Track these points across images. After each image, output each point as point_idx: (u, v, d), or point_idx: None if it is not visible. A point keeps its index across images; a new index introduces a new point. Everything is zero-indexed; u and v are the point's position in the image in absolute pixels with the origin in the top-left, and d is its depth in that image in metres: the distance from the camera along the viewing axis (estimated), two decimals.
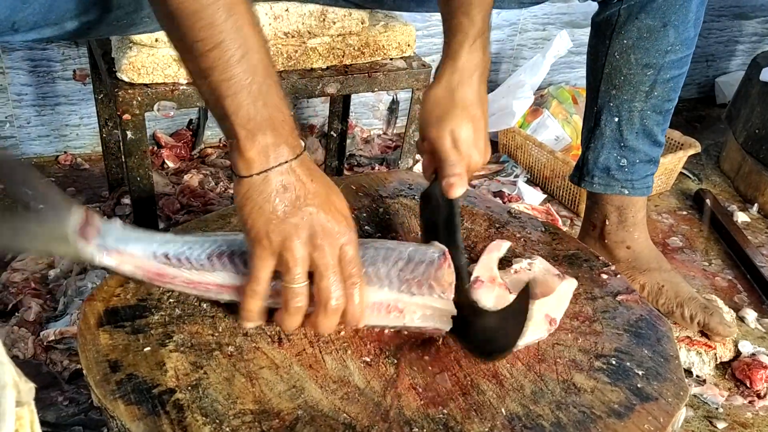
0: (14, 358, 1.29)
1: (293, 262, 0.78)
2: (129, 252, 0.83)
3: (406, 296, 0.83)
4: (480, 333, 0.83)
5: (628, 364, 0.84)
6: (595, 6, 1.32)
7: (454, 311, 0.83)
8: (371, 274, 0.83)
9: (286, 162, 0.79)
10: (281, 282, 0.80)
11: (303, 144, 0.82)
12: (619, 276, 1.00)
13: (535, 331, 0.84)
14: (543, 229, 1.09)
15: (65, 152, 1.95)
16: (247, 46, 0.76)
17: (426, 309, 0.83)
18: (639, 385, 0.81)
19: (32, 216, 0.80)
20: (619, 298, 0.95)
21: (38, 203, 0.80)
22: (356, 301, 0.80)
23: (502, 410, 0.76)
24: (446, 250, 0.85)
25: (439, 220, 0.95)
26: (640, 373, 0.83)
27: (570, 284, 0.87)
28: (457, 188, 0.93)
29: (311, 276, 0.80)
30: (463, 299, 0.83)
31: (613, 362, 0.84)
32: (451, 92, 0.96)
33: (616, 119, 1.32)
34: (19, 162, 0.82)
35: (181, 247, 0.85)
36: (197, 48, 0.75)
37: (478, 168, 0.97)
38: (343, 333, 0.85)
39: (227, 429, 0.71)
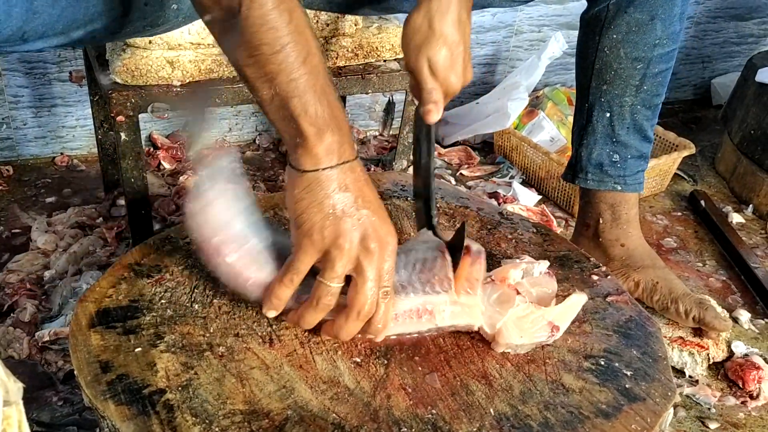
0: (9, 359, 1.29)
1: (339, 260, 0.79)
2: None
3: (432, 296, 0.83)
4: None
5: (616, 364, 0.85)
6: (584, 5, 1.33)
7: (481, 306, 0.84)
8: (395, 284, 0.84)
9: (349, 161, 0.80)
10: (316, 278, 0.80)
11: (357, 147, 0.84)
12: (609, 277, 1.01)
13: (535, 335, 0.84)
14: (534, 231, 1.09)
15: (62, 154, 1.95)
16: (308, 49, 0.78)
17: (454, 306, 0.84)
18: (627, 386, 0.82)
19: None
20: (609, 299, 0.96)
21: None
22: (384, 312, 0.81)
23: (491, 410, 0.77)
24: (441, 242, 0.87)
25: (420, 140, 1.03)
26: (629, 373, 0.83)
27: (580, 298, 0.87)
28: (433, 114, 0.96)
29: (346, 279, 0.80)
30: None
31: (602, 363, 0.85)
32: (429, 20, 0.96)
33: (608, 114, 1.34)
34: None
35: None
36: (263, 51, 0.76)
37: (457, 91, 0.99)
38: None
39: (217, 429, 0.72)
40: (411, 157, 1.58)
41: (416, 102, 1.01)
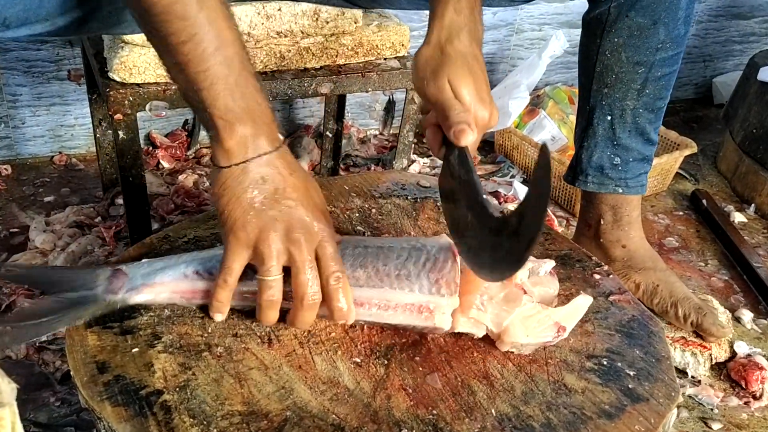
0: (7, 359, 1.29)
1: (268, 254, 0.78)
2: (159, 282, 0.84)
3: (437, 297, 0.82)
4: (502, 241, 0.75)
5: (619, 364, 0.84)
6: (586, 5, 1.32)
7: (489, 323, 0.83)
8: (401, 275, 0.83)
9: (266, 153, 0.79)
10: (257, 275, 0.80)
11: (282, 137, 0.82)
12: (611, 276, 1.00)
13: (540, 334, 0.83)
14: None
15: (60, 152, 1.95)
16: (221, 39, 0.77)
17: (461, 316, 0.83)
18: (630, 386, 0.81)
19: (59, 299, 0.83)
20: (611, 298, 0.95)
21: (63, 287, 0.83)
22: (340, 297, 0.80)
23: (493, 411, 0.76)
24: (452, 243, 0.85)
25: (455, 180, 0.85)
26: (632, 373, 0.83)
27: (586, 300, 0.87)
28: (467, 134, 0.83)
29: (288, 271, 0.80)
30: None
31: (605, 363, 0.84)
32: (441, 48, 0.89)
33: (609, 118, 1.32)
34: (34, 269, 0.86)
35: (210, 261, 0.85)
36: (171, 41, 0.76)
37: (486, 124, 0.87)
38: (333, 334, 0.84)
39: (215, 430, 0.71)
40: (407, 161, 1.57)
41: (437, 157, 0.89)
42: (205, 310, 0.85)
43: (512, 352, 0.84)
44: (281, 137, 0.82)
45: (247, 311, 0.85)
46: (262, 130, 0.79)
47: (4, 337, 0.78)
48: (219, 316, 0.83)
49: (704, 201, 1.93)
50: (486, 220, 0.77)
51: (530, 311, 0.82)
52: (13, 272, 0.95)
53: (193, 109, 0.80)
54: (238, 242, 0.79)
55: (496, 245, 0.75)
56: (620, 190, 1.38)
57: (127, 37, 1.21)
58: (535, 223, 0.69)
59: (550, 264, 0.89)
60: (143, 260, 0.87)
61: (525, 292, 0.84)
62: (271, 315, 0.82)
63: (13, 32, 0.98)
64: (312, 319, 0.82)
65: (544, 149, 0.66)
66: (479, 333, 0.84)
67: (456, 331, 0.84)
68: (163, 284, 0.85)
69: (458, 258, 0.84)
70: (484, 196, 0.79)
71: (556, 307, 0.85)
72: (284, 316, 0.83)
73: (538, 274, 0.88)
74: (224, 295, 0.82)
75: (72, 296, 0.83)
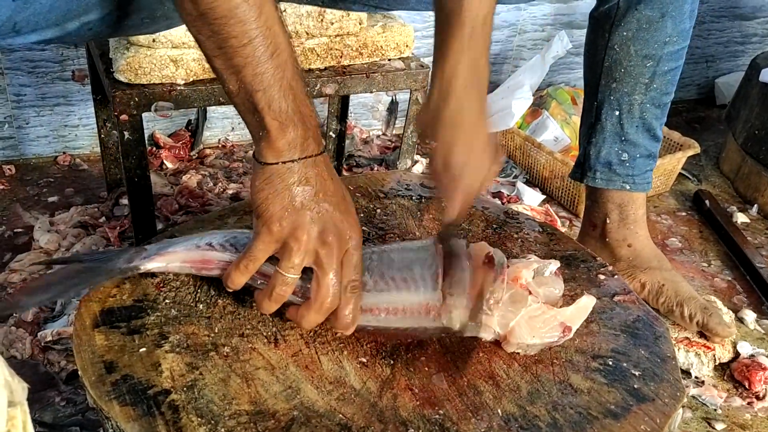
0: (12, 359, 1.29)
1: (297, 251, 0.80)
2: (172, 250, 0.88)
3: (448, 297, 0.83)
4: None
5: (624, 364, 0.84)
6: (592, 3, 1.33)
7: (496, 327, 0.84)
8: (408, 278, 0.84)
9: (313, 156, 0.80)
10: (274, 267, 0.81)
11: (324, 142, 0.84)
12: (616, 276, 1.00)
13: (546, 334, 0.83)
14: (540, 230, 1.08)
15: (64, 153, 1.95)
16: (277, 43, 0.79)
17: (468, 320, 0.83)
18: (635, 386, 0.81)
19: (76, 268, 0.87)
20: (616, 298, 0.95)
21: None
22: (351, 307, 0.81)
23: (499, 411, 0.76)
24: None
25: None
26: (637, 373, 0.83)
27: (590, 300, 0.87)
28: (446, 215, 0.91)
29: (305, 270, 0.81)
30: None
31: (610, 363, 0.84)
32: (436, 112, 0.93)
33: (617, 113, 1.33)
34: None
35: (224, 236, 0.88)
36: (231, 44, 0.77)
37: (476, 191, 0.93)
38: (339, 334, 0.84)
39: (222, 430, 0.71)
40: (415, 157, 1.58)
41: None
42: (209, 309, 0.85)
43: (518, 353, 0.84)
44: (324, 142, 0.84)
45: (250, 311, 0.86)
46: (311, 133, 0.81)
47: (19, 298, 0.80)
48: (230, 289, 0.85)
49: (707, 201, 1.94)
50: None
51: (536, 312, 0.83)
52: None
53: (241, 110, 0.81)
54: (270, 234, 0.80)
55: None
56: (627, 187, 1.39)
57: (133, 38, 1.21)
58: None
59: (554, 265, 0.90)
60: (167, 238, 0.90)
61: (530, 293, 0.84)
62: (273, 307, 0.83)
63: (24, 38, 0.98)
64: (318, 322, 0.82)
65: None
66: (487, 336, 0.84)
67: (465, 335, 0.84)
68: (176, 253, 0.87)
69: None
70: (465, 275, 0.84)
71: (561, 307, 0.86)
72: (278, 310, 0.84)
73: (543, 274, 0.88)
74: (240, 279, 0.83)
75: (91, 266, 0.86)
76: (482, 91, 0.94)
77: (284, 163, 0.80)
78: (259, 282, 0.84)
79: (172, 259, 0.87)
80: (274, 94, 0.78)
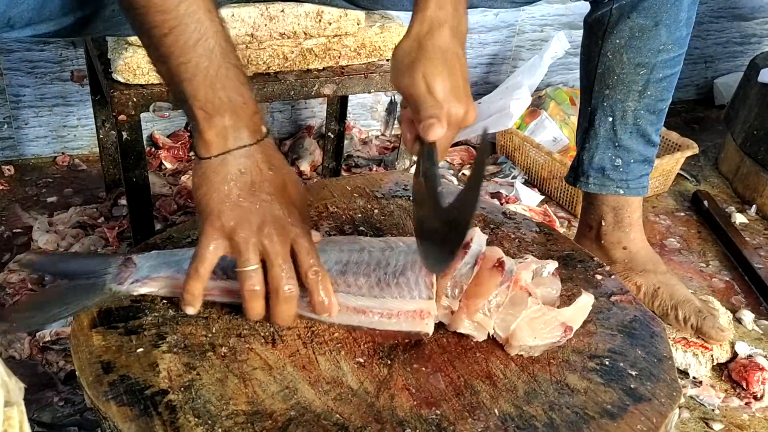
0: (11, 359, 1.29)
1: (243, 245, 0.79)
2: (162, 276, 0.86)
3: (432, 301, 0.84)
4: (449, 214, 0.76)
5: (621, 364, 0.84)
6: (587, 6, 1.32)
7: (491, 328, 0.84)
8: (402, 284, 0.84)
9: (246, 146, 0.80)
10: (235, 268, 0.81)
11: (265, 129, 0.83)
12: (613, 277, 1.00)
13: (548, 335, 0.83)
14: (537, 230, 1.09)
15: (63, 153, 1.95)
16: (202, 31, 0.78)
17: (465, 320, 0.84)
18: (632, 386, 0.81)
19: (67, 287, 0.86)
20: (613, 298, 0.95)
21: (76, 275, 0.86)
22: (320, 290, 0.81)
23: (495, 411, 0.76)
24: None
25: (420, 175, 0.85)
26: (634, 373, 0.83)
27: (588, 298, 0.87)
28: (436, 129, 0.82)
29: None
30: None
31: (607, 363, 0.84)
32: (419, 42, 0.87)
33: (610, 119, 1.33)
34: (50, 257, 0.87)
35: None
36: (154, 34, 0.78)
37: (460, 121, 0.85)
38: (336, 334, 0.85)
39: (219, 430, 0.71)
40: (409, 161, 1.58)
41: (410, 152, 0.90)
42: (206, 309, 0.85)
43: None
44: (264, 130, 0.83)
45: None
46: (243, 122, 0.80)
47: (12, 324, 0.79)
48: (191, 310, 0.83)
49: (705, 202, 1.94)
50: (438, 213, 0.78)
51: (536, 313, 0.83)
52: (31, 260, 0.96)
53: (178, 101, 0.82)
54: (212, 232, 0.80)
55: (444, 237, 0.76)
56: (621, 192, 1.38)
57: (131, 38, 1.21)
58: (465, 215, 0.72)
59: (553, 265, 0.90)
60: (153, 251, 0.88)
61: (530, 294, 0.85)
62: (257, 307, 0.82)
63: (18, 32, 0.98)
64: (291, 314, 0.82)
65: (485, 140, 0.73)
66: (480, 337, 0.84)
67: (458, 331, 0.84)
68: (166, 278, 0.86)
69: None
70: (440, 190, 0.78)
71: (558, 308, 0.86)
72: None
73: (541, 275, 0.89)
74: (196, 286, 0.81)
75: (81, 283, 0.85)
76: (462, 41, 0.90)
77: (216, 156, 0.79)
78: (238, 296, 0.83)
79: (162, 285, 0.86)
80: (199, 83, 0.78)
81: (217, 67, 0.79)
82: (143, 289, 0.86)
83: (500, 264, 0.84)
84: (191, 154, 2.01)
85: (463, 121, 0.86)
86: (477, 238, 0.87)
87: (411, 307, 0.83)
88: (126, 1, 0.79)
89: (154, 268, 0.86)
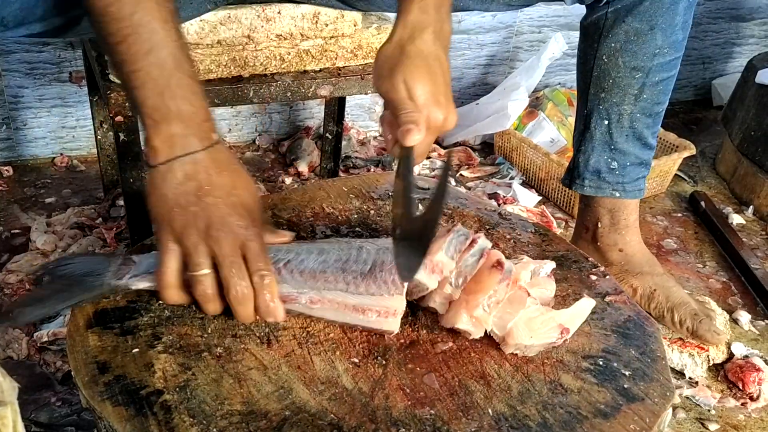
0: (8, 359, 1.29)
1: (192, 249, 0.80)
2: None
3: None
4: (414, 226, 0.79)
5: (615, 364, 0.84)
6: (584, 9, 1.32)
7: (489, 325, 0.84)
8: (372, 282, 0.84)
9: (193, 153, 0.81)
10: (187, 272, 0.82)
11: (216, 137, 0.84)
12: (608, 277, 1.01)
13: (545, 336, 0.84)
14: (533, 231, 1.09)
15: (61, 154, 1.96)
16: (155, 41, 0.80)
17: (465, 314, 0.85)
18: (626, 386, 0.81)
19: (68, 282, 0.86)
20: (607, 298, 0.96)
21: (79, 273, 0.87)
22: (266, 294, 0.82)
23: (489, 411, 0.77)
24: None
25: (398, 177, 0.87)
26: (627, 373, 0.83)
27: (589, 302, 0.88)
28: (413, 134, 0.83)
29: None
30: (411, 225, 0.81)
31: (601, 363, 0.84)
32: (401, 47, 0.88)
33: (606, 122, 1.33)
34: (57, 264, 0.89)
35: None
36: (109, 41, 0.80)
37: (440, 126, 0.87)
38: (332, 335, 0.85)
39: (214, 430, 0.71)
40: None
41: (390, 153, 0.91)
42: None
43: (510, 353, 0.84)
44: (216, 136, 0.84)
45: None
46: (192, 130, 0.81)
47: (12, 318, 0.81)
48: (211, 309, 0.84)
49: (703, 203, 1.94)
50: (408, 220, 0.80)
51: (534, 313, 0.83)
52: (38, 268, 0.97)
53: (131, 108, 0.84)
54: (167, 240, 0.81)
55: (413, 245, 0.78)
56: (617, 194, 1.38)
57: None
58: (428, 231, 0.76)
59: (550, 265, 0.90)
60: (153, 252, 0.89)
61: (529, 294, 0.85)
62: (211, 308, 0.83)
63: (12, 32, 0.99)
64: (249, 314, 0.83)
65: (449, 156, 0.72)
66: (477, 334, 0.84)
67: (456, 327, 0.85)
68: None
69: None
70: (413, 197, 0.80)
71: (552, 308, 0.86)
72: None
73: (539, 275, 0.89)
74: (171, 294, 0.83)
75: (81, 280, 0.86)
76: (446, 44, 0.91)
77: (162, 163, 0.80)
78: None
79: None
80: (148, 91, 0.80)
81: (168, 76, 0.80)
82: (141, 284, 0.86)
83: (499, 263, 0.85)
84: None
85: (443, 126, 0.87)
86: (481, 241, 0.88)
87: (381, 304, 0.84)
88: (87, 7, 0.81)
89: (153, 264, 0.87)
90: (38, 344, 1.31)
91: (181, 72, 0.81)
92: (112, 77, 1.24)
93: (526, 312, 0.83)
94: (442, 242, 0.85)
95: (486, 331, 0.84)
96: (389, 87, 0.87)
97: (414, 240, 0.78)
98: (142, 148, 0.81)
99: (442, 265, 0.84)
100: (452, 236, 0.86)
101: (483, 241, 0.87)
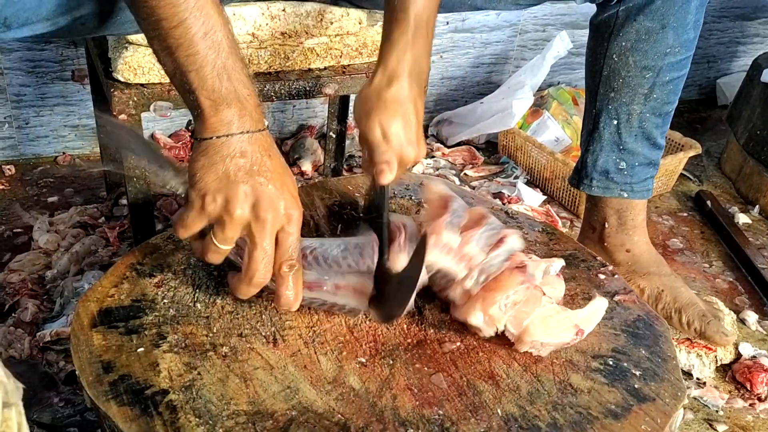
0: (10, 359, 1.28)
1: (229, 224, 0.80)
2: None
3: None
4: (391, 292, 0.85)
5: (625, 364, 0.84)
6: (593, 8, 1.31)
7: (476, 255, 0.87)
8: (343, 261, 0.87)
9: (249, 132, 0.81)
10: (210, 233, 0.81)
11: (266, 123, 0.85)
12: (616, 276, 1.00)
13: (560, 335, 0.83)
14: (541, 230, 1.08)
15: (64, 153, 1.95)
16: (210, 24, 0.80)
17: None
18: (636, 386, 0.81)
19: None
20: (616, 298, 0.95)
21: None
22: (290, 285, 0.81)
23: (498, 411, 0.76)
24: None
25: (372, 205, 1.00)
26: (638, 373, 0.82)
27: (602, 303, 0.87)
28: (386, 174, 0.95)
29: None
30: (384, 272, 0.87)
31: (610, 362, 0.84)
32: (379, 92, 0.97)
33: (615, 122, 1.32)
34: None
35: None
36: (163, 26, 0.80)
37: (411, 161, 0.98)
38: (338, 334, 0.84)
39: (220, 430, 0.71)
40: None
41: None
42: (207, 309, 0.85)
43: (518, 352, 0.84)
44: (265, 122, 0.85)
45: (248, 311, 0.86)
46: (247, 111, 0.82)
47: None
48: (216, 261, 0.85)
49: (708, 202, 1.93)
50: (380, 268, 0.87)
51: (550, 311, 0.82)
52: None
53: (180, 91, 0.83)
54: (204, 206, 0.80)
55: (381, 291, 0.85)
56: (625, 195, 1.37)
57: (132, 37, 1.20)
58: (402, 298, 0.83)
59: (559, 263, 0.89)
60: None
61: (544, 294, 0.84)
62: (213, 258, 0.83)
63: (15, 33, 0.98)
64: (248, 295, 0.83)
65: (424, 237, 0.82)
66: (487, 332, 0.84)
67: (467, 321, 0.84)
68: None
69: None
70: (384, 237, 0.90)
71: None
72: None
73: (550, 273, 0.88)
74: (183, 234, 0.83)
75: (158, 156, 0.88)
76: (421, 84, 1.00)
77: (219, 137, 0.80)
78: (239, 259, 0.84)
79: None
80: (206, 74, 0.80)
81: (225, 59, 0.81)
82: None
83: (522, 265, 0.84)
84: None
85: (414, 161, 0.99)
86: (511, 239, 0.89)
87: (351, 281, 0.84)
88: None
89: None
90: (41, 344, 1.30)
91: (235, 56, 0.82)
92: (115, 75, 1.23)
93: (542, 310, 0.82)
94: (474, 233, 0.87)
95: (497, 331, 0.83)
96: (366, 127, 0.96)
97: (393, 290, 0.85)
98: (189, 127, 0.81)
99: (471, 256, 0.84)
100: (484, 229, 0.87)
101: (512, 241, 0.88)
